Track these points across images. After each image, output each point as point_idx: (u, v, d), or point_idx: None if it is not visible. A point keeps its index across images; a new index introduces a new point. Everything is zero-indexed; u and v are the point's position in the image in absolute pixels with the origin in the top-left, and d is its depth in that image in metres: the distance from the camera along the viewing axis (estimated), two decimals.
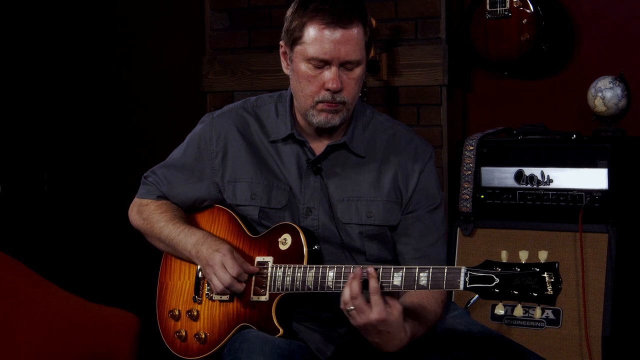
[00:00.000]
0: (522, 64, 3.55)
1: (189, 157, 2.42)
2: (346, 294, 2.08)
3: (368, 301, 2.07)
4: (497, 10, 3.49)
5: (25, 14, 4.30)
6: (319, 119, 2.25)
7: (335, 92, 2.21)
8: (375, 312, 2.06)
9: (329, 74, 2.20)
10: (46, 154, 4.38)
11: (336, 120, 2.25)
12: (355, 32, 2.20)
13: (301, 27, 2.21)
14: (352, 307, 2.07)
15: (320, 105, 2.23)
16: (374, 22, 3.48)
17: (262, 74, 3.94)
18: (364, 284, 2.10)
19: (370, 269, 2.08)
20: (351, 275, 2.09)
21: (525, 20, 3.45)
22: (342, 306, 2.10)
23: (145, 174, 2.49)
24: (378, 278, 2.08)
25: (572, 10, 3.61)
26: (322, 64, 2.21)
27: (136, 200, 2.50)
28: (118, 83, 4.34)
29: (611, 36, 3.59)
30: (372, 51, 3.51)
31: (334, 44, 2.18)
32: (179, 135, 2.54)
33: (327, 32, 2.18)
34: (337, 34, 2.18)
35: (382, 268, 2.12)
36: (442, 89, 3.70)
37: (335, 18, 2.18)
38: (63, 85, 4.40)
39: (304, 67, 2.22)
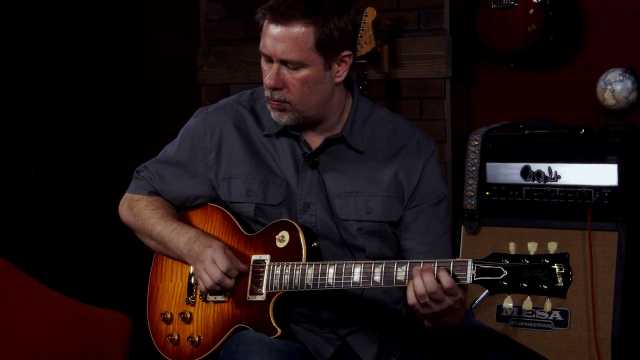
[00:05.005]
0: (528, 56, 3.52)
1: (183, 153, 2.40)
2: (421, 288, 2.02)
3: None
4: (502, 0, 3.48)
5: (11, 6, 4.29)
6: (272, 114, 2.26)
7: (272, 89, 2.20)
8: (451, 297, 2.03)
9: (270, 69, 2.20)
10: (35, 150, 4.37)
11: (284, 119, 2.24)
12: (295, 31, 2.16)
13: (261, 18, 2.22)
14: (428, 299, 2.03)
15: (269, 102, 2.25)
16: (374, 12, 3.45)
17: (259, 66, 3.83)
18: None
19: (438, 266, 2.05)
20: (420, 269, 2.04)
21: (531, 11, 3.44)
22: (413, 300, 2.05)
23: (137, 169, 2.47)
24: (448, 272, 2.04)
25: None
26: (267, 58, 2.21)
27: (127, 196, 2.47)
28: (109, 76, 4.34)
29: (621, 27, 3.56)
30: (374, 42, 3.52)
31: (272, 40, 2.18)
32: (172, 130, 2.52)
33: (270, 27, 2.18)
34: (277, 30, 2.17)
35: (385, 263, 2.11)
36: (445, 81, 3.69)
37: (279, 14, 2.17)
38: (52, 79, 4.40)
39: (261, 59, 2.24)
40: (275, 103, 2.22)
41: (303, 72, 2.19)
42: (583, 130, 3.26)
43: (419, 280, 2.03)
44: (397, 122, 2.35)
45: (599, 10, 3.57)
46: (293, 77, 2.19)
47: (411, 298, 2.05)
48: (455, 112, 3.72)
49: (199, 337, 2.29)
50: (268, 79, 2.19)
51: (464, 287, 2.08)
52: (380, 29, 3.65)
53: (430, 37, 3.68)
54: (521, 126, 3.40)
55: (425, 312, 2.06)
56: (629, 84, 3.32)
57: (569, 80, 3.63)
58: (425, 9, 3.68)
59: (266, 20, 2.19)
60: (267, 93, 2.22)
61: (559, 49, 3.54)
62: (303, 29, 2.16)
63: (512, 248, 2.01)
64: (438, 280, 2.03)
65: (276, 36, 2.16)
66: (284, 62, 2.18)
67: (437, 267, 2.04)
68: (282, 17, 2.15)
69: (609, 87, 3.33)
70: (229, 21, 4.00)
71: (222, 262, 2.21)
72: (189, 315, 2.31)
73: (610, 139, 3.20)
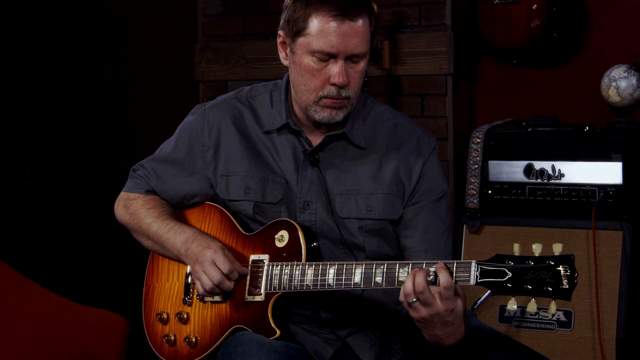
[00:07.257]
0: (531, 51, 3.51)
1: (180, 150, 2.38)
2: (409, 286, 2.02)
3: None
4: None
5: (6, 3, 4.29)
6: (322, 115, 2.22)
7: (341, 87, 2.18)
8: (444, 303, 2.01)
9: (335, 68, 2.17)
10: (30, 148, 4.36)
11: (340, 116, 2.23)
12: (361, 23, 2.17)
13: (305, 18, 2.17)
14: (414, 300, 2.02)
15: (324, 101, 2.20)
16: (375, 8, 3.40)
17: (258, 62, 3.94)
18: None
19: (440, 264, 2.03)
20: (415, 270, 2.04)
21: (535, 6, 3.43)
22: (401, 298, 2.05)
23: (133, 167, 2.46)
24: (451, 272, 2.02)
25: None
26: (327, 57, 2.18)
27: (123, 194, 2.46)
28: (105, 73, 4.34)
29: (625, 22, 3.55)
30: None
31: (342, 37, 2.15)
32: (169, 127, 2.51)
33: (333, 25, 2.15)
34: (345, 26, 2.15)
35: (387, 264, 2.09)
36: (447, 78, 3.67)
37: (343, 10, 2.15)
38: (47, 77, 4.39)
39: (307, 60, 2.19)
40: (339, 101, 2.19)
41: (362, 64, 2.19)
42: (587, 128, 3.25)
43: (410, 279, 2.02)
44: (398, 119, 2.35)
45: (603, 6, 3.56)
46: (354, 70, 2.18)
47: (400, 295, 2.04)
48: (457, 109, 3.71)
49: (196, 338, 2.28)
50: (339, 77, 2.15)
51: (461, 295, 2.04)
52: (381, 24, 3.63)
53: (432, 32, 3.67)
54: (524, 123, 3.38)
55: (414, 315, 2.04)
56: (634, 80, 3.31)
57: (572, 76, 3.62)
58: (427, 4, 3.68)
59: (320, 19, 2.15)
60: (331, 92, 2.17)
61: (562, 45, 3.53)
62: (364, 20, 2.16)
63: (516, 249, 1.99)
64: (436, 280, 2.01)
65: (346, 32, 2.13)
66: (347, 57, 2.16)
67: (437, 267, 2.02)
68: (348, 13, 2.14)
69: (614, 83, 3.32)
70: (227, 17, 4.00)
71: (223, 264, 2.19)
72: (185, 316, 2.30)
73: (614, 136, 3.18)
